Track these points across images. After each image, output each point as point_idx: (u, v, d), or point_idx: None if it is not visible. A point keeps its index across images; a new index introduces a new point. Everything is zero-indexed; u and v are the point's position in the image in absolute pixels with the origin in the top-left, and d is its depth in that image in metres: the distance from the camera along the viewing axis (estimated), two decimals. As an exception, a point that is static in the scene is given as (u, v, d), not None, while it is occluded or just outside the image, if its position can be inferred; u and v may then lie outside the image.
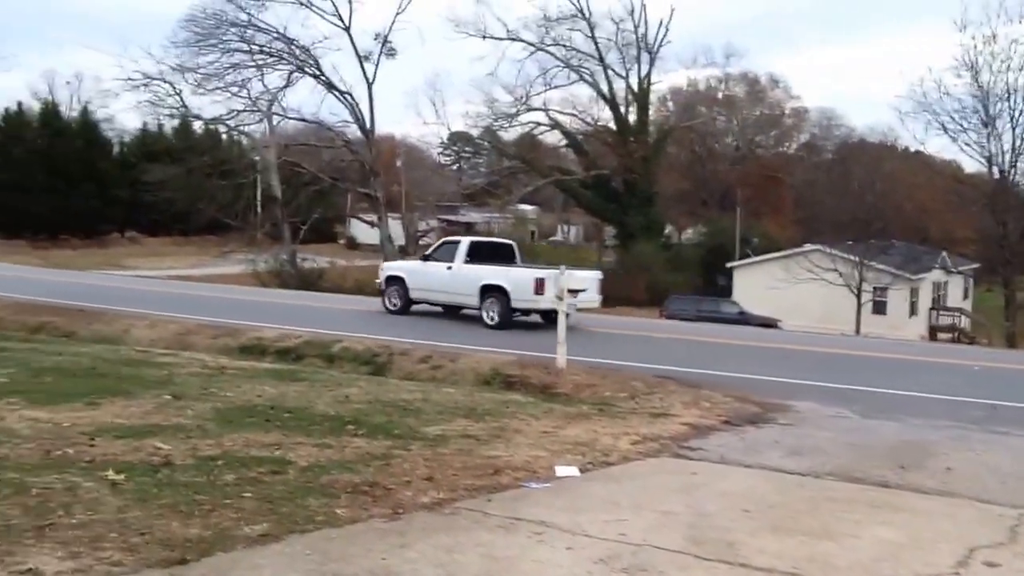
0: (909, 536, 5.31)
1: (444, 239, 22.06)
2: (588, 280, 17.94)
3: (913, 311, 44.99)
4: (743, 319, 38.67)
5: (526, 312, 18.20)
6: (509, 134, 60.57)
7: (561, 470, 6.55)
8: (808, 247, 44.97)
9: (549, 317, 17.36)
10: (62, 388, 8.81)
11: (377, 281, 20.99)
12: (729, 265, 50.58)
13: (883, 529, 5.41)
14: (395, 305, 19.89)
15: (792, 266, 41.95)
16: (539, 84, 54.43)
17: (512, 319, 18.02)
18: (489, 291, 18.01)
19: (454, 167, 75.61)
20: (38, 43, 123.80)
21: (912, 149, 53.05)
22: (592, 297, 18.36)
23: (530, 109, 55.52)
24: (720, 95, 71.57)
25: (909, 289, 44.43)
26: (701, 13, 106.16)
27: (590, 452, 7.22)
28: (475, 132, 62.79)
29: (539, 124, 57.87)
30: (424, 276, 19.47)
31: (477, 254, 19.17)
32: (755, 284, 45.66)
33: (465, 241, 19.98)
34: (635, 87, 55.82)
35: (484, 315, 18.08)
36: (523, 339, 15.46)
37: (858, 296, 40.46)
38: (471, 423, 8.20)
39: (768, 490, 6.32)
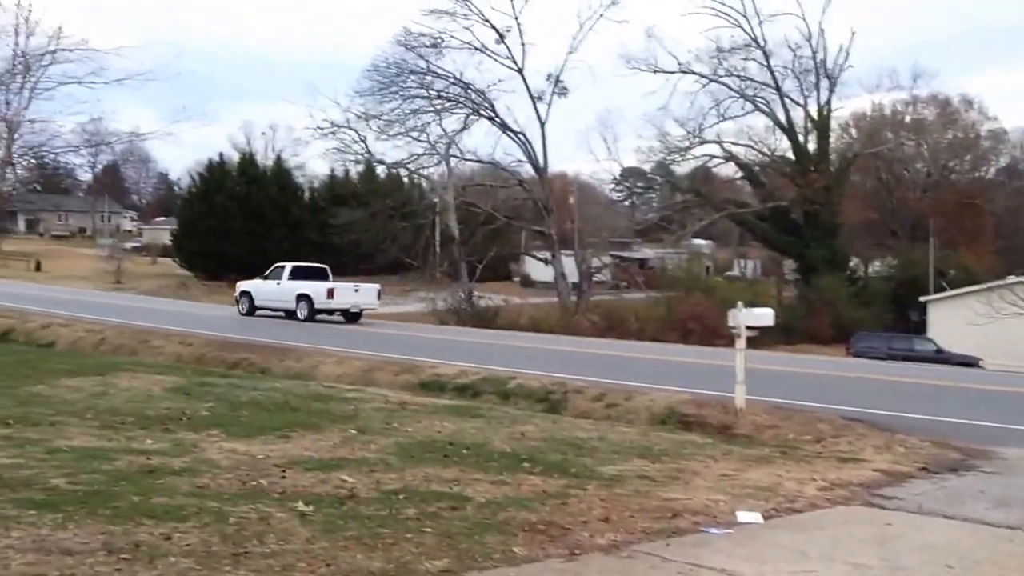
0: None
1: (275, 264, 30.44)
2: (368, 290, 28.62)
3: None
4: (941, 357, 36.25)
5: (329, 312, 27.78)
6: (682, 168, 59.82)
7: (743, 516, 6.30)
8: (1012, 279, 41.72)
9: (347, 315, 28.10)
10: (257, 421, 9.32)
11: (235, 295, 29.99)
12: (923, 299, 47.62)
13: (1112, 594, 4.86)
14: (244, 310, 28.97)
15: (994, 299, 38.96)
16: (712, 116, 53.61)
17: (315, 316, 27.37)
18: (301, 297, 27.43)
19: (626, 203, 75.49)
20: (238, 97, 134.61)
21: None
22: (371, 303, 28.72)
23: (703, 142, 54.72)
24: (908, 119, 67.91)
25: None
26: (884, 35, 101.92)
27: (773, 497, 6.91)
28: (647, 167, 62.48)
29: (713, 156, 56.91)
30: (262, 290, 28.94)
31: (298, 274, 28.86)
32: (952, 320, 42.69)
33: (289, 265, 29.41)
34: (815, 114, 53.85)
35: (298, 313, 27.29)
36: (653, 372, 15.08)
37: (1071, 332, 37.05)
38: (647, 463, 8.04)
39: (972, 544, 5.82)
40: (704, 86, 53.17)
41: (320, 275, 29.31)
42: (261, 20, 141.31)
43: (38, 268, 63.68)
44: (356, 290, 28.52)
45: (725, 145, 55.64)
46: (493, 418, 10.46)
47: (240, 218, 60.06)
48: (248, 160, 67.39)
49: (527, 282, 65.40)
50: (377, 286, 29.23)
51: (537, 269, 60.14)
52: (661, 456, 8.42)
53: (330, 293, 27.27)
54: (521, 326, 37.99)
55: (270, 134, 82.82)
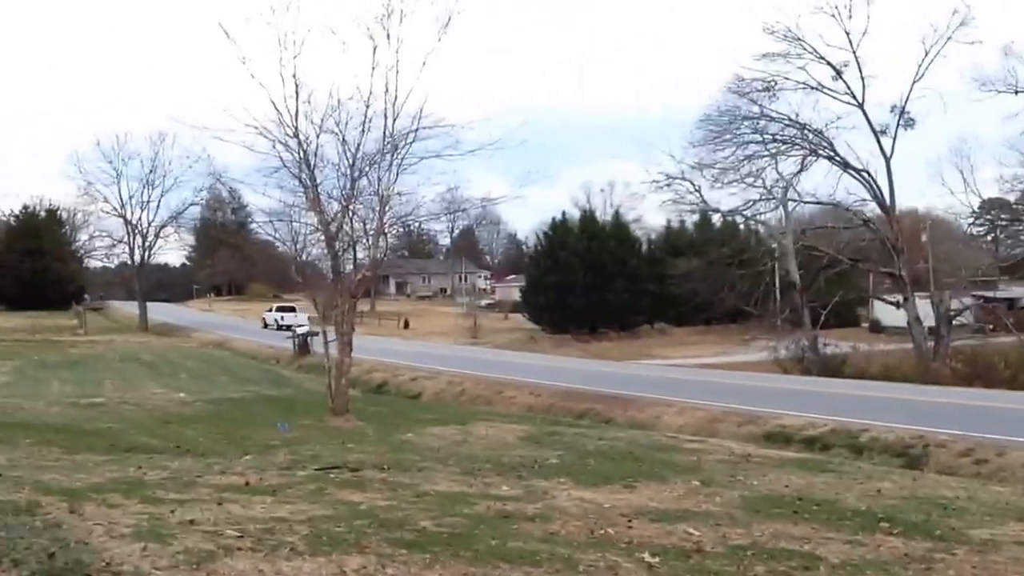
0: None
1: (277, 305, 63.78)
2: (301, 315, 51.38)
3: None
4: None
5: (287, 327, 49.70)
6: (1055, 196, 52.88)
7: None
8: None
9: (304, 335, 41.46)
10: (603, 470, 9.60)
11: (263, 318, 61.63)
12: None
13: None
14: (262, 326, 58.55)
15: None
16: (1088, 135, 46.90)
17: (279, 329, 52.92)
18: (275, 320, 57.55)
19: (988, 237, 68.20)
20: (577, 158, 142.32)
21: None
22: (303, 322, 45.97)
23: (1080, 164, 48.02)
24: None
25: None
26: None
27: None
28: (1012, 197, 56.00)
29: (1092, 180, 49.72)
30: (271, 316, 59.84)
31: (279, 309, 59.99)
32: None
33: (275, 305, 63.21)
34: None
35: (273, 327, 55.15)
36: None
37: None
38: (1029, 529, 7.17)
39: None
40: (1076, 102, 46.80)
41: (289, 310, 58.17)
42: (592, 86, 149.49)
43: (406, 326, 70.67)
44: (296, 316, 53.87)
45: (1107, 166, 48.42)
46: (845, 473, 9.91)
47: (582, 272, 62.53)
48: (588, 217, 70.19)
49: (877, 328, 61.07)
50: (306, 313, 47.95)
51: (887, 314, 55.95)
52: (1045, 521, 7.47)
53: (281, 318, 56.67)
54: (872, 374, 35.51)
55: (608, 191, 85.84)
